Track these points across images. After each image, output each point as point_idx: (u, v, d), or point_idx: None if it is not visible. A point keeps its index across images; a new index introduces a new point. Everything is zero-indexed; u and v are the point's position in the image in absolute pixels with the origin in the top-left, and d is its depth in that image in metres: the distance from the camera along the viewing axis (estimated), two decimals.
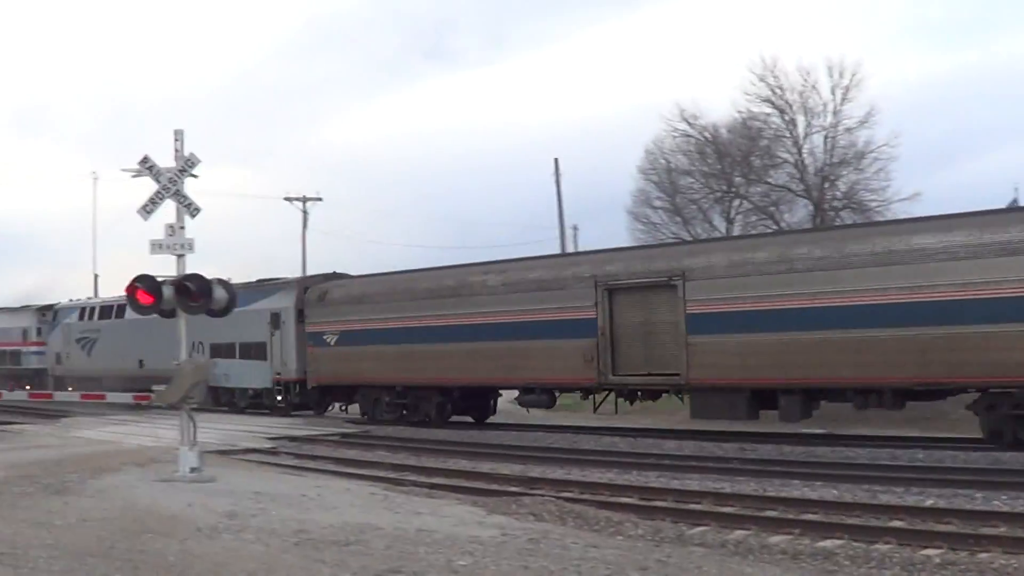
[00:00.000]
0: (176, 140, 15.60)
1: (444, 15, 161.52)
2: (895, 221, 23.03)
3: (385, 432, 24.47)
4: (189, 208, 15.52)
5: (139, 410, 29.32)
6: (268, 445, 21.64)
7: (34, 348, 45.28)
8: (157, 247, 15.59)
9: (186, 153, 15.50)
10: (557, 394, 24.31)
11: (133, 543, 9.83)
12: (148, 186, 15.45)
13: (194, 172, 15.57)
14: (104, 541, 9.94)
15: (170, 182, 15.33)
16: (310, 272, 42.64)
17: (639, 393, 22.53)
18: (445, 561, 9.00)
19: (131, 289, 15.40)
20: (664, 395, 22.52)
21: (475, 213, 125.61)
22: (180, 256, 15.62)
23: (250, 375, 16.40)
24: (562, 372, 22.72)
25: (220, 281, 16.16)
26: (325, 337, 28.41)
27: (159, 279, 15.41)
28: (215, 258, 71.73)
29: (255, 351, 30.59)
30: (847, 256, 18.75)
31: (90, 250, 64.33)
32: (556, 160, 50.29)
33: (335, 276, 31.65)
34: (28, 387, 40.99)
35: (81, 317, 41.70)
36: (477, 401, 26.88)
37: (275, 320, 30.51)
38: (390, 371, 26.54)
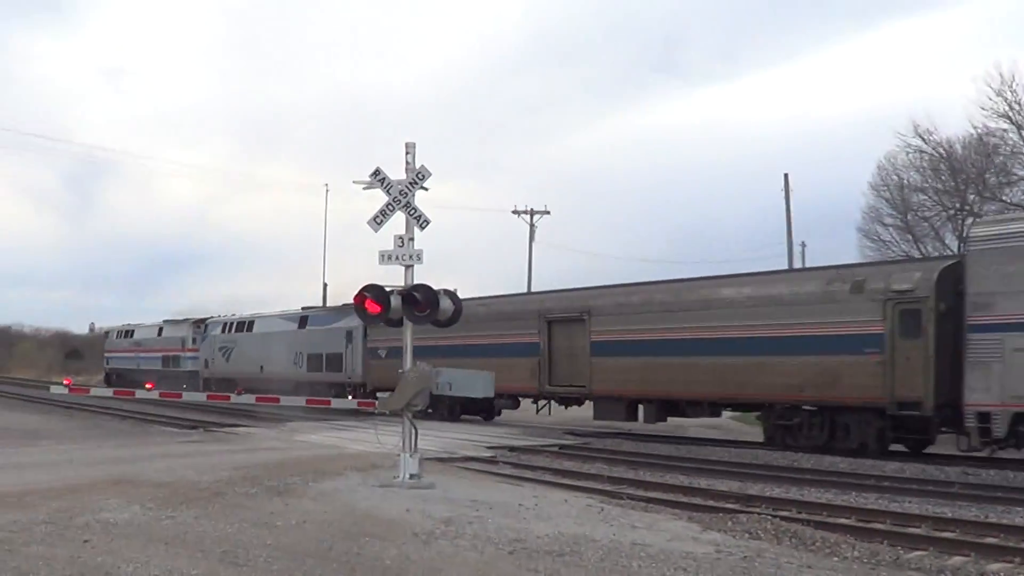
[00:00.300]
0: (407, 153, 16.31)
1: (674, 30, 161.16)
2: (714, 277, 28.93)
3: (604, 444, 24.83)
4: (419, 220, 16.19)
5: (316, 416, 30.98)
6: (487, 454, 22.24)
7: (190, 354, 56.66)
8: (386, 258, 16.36)
9: (417, 166, 16.21)
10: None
11: (351, 546, 10.41)
12: (379, 198, 16.29)
13: (424, 185, 16.27)
14: (323, 543, 10.56)
15: (401, 194, 16.06)
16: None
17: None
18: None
19: (360, 298, 16.22)
20: None
21: (701, 227, 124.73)
22: (409, 267, 16.36)
23: (472, 385, 16.92)
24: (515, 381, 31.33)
25: (446, 292, 16.78)
26: (378, 351, 38.12)
27: (387, 289, 16.20)
28: (443, 269, 73.97)
29: (333, 361, 42.72)
30: (682, 302, 27.38)
31: (321, 260, 67.63)
32: (786, 175, 49.67)
33: None
34: (238, 391, 44.56)
35: (223, 330, 52.62)
36: None
37: (348, 336, 41.52)
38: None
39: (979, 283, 20.58)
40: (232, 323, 52.20)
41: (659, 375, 27.05)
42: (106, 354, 71.11)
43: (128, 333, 67.52)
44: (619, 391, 28.47)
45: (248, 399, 32.43)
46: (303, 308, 49.00)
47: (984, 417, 19.89)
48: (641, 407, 28.16)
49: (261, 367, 47.56)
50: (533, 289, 48.97)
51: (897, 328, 22.10)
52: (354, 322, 39.11)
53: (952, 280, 21.63)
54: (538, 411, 32.98)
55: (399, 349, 27.85)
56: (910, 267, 24.63)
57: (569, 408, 32.89)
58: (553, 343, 31.42)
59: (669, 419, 28.80)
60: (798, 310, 23.87)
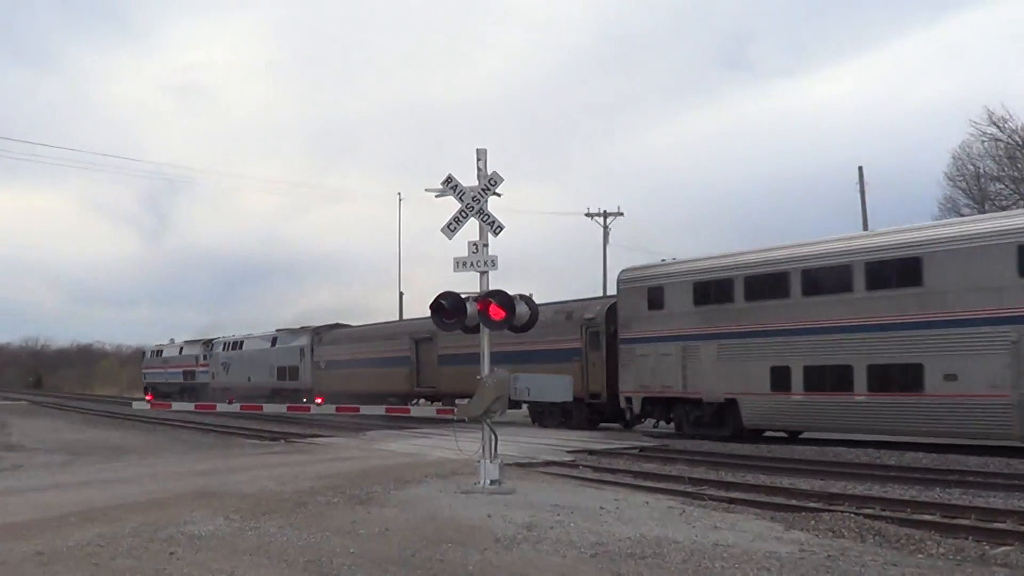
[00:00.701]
0: (479, 159, 16.48)
1: (744, 26, 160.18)
2: None
3: (684, 446, 24.76)
4: (492, 226, 16.34)
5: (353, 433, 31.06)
6: (567, 458, 22.28)
7: (202, 369, 68.02)
8: (461, 264, 16.55)
9: (488, 171, 16.36)
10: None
11: (433, 552, 10.55)
12: (452, 205, 16.48)
13: (497, 190, 16.40)
14: (406, 550, 10.71)
15: (473, 201, 16.23)
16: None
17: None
18: None
19: (435, 306, 16.41)
20: None
21: (774, 224, 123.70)
22: (483, 273, 16.51)
23: (551, 390, 17.08)
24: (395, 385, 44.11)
25: (522, 297, 16.89)
26: (320, 363, 52.22)
27: (463, 296, 16.36)
28: (519, 274, 74.26)
29: (292, 372, 54.37)
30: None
31: (395, 269, 68.62)
32: (860, 169, 49.06)
33: (338, 326, 53.75)
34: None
35: (223, 349, 63.76)
36: None
37: (302, 352, 53.44)
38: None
39: (623, 312, 30.90)
40: (230, 343, 63.39)
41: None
42: (143, 370, 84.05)
43: (158, 352, 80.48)
44: (458, 391, 37.55)
45: (328, 409, 33.03)
46: (276, 330, 58.86)
47: (628, 400, 30.16)
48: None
49: (248, 378, 59.04)
50: (603, 293, 49.78)
51: (588, 344, 33.03)
52: (304, 341, 53.27)
53: (615, 311, 31.79)
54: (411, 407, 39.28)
55: (336, 362, 43.92)
56: (595, 302, 35.25)
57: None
58: (420, 356, 43.13)
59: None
60: (546, 331, 30.28)
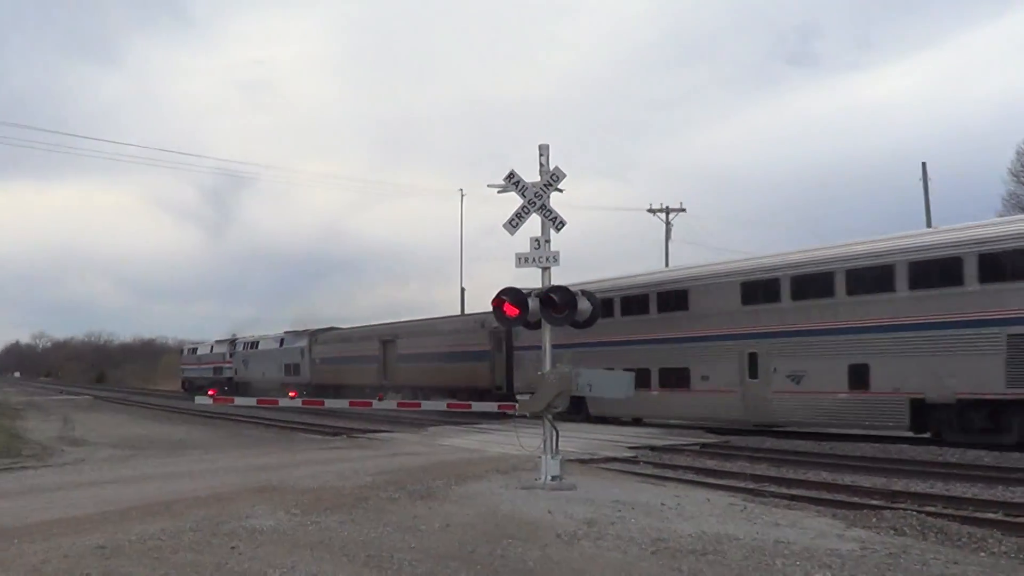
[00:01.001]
0: (541, 155, 16.55)
1: (808, 20, 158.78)
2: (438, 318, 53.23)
3: (745, 443, 24.64)
4: (554, 222, 16.40)
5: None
6: (628, 454, 22.25)
7: (227, 364, 79.09)
8: (523, 260, 16.62)
9: (551, 167, 16.41)
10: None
11: (494, 548, 10.63)
12: (514, 201, 16.55)
13: (559, 186, 16.45)
14: (466, 546, 10.79)
15: (535, 196, 16.29)
16: None
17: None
18: (803, 574, 9.26)
19: (498, 302, 16.51)
20: None
21: (838, 221, 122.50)
22: (545, 269, 16.57)
23: (612, 386, 17.12)
24: (368, 378, 54.17)
25: (584, 292, 16.92)
26: (316, 360, 63.32)
27: (525, 292, 16.43)
28: (580, 270, 74.37)
29: (295, 368, 64.63)
30: (429, 331, 49.87)
31: (458, 264, 69.01)
32: (924, 164, 48.49)
33: (331, 329, 63.84)
34: (378, 397, 48.42)
35: (243, 348, 75.55)
36: None
37: (302, 352, 63.83)
38: None
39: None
40: (248, 343, 74.87)
41: (419, 373, 48.89)
42: (181, 366, 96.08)
43: (194, 350, 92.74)
44: (409, 384, 49.03)
45: (389, 404, 33.31)
46: (284, 332, 69.00)
47: (522, 393, 35.67)
48: (419, 392, 45.70)
49: (263, 373, 69.59)
50: None
51: (494, 347, 42.70)
52: (304, 342, 63.71)
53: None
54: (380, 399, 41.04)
55: (327, 359, 57.68)
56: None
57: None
58: (386, 354, 53.87)
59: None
60: (462, 337, 45.89)
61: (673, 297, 31.56)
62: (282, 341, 68.09)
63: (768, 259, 29.08)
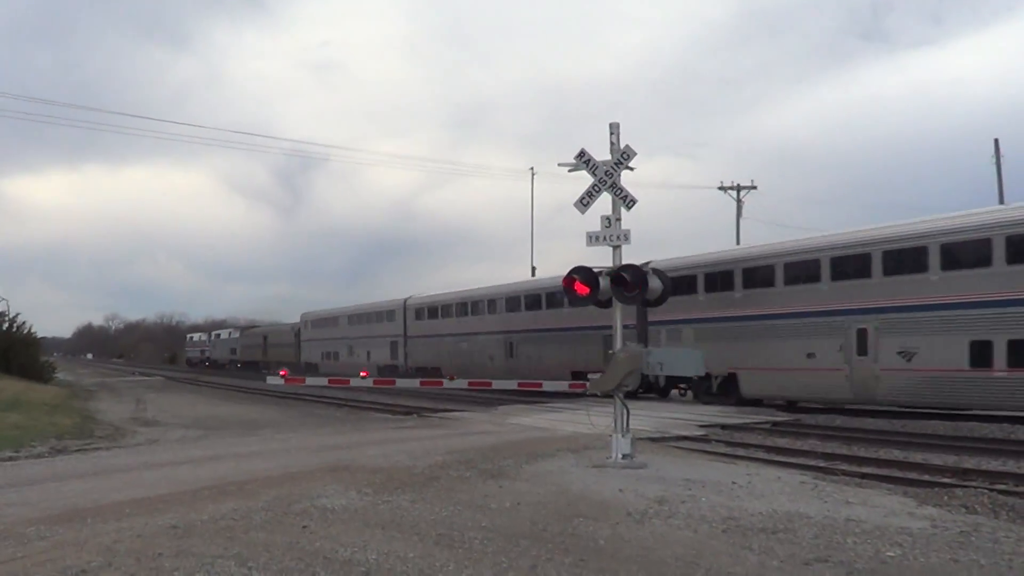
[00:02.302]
0: (612, 133, 16.63)
1: None
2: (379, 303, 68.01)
3: (816, 421, 24.58)
4: (625, 200, 16.48)
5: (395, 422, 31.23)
6: (699, 433, 22.36)
7: (207, 348, 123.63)
8: (593, 239, 16.74)
9: (621, 146, 16.49)
10: None
11: (564, 526, 10.76)
12: (585, 180, 16.68)
13: (630, 164, 16.52)
14: (536, 524, 10.93)
15: (606, 175, 16.40)
16: None
17: None
18: (873, 552, 9.29)
19: (568, 280, 16.63)
20: None
21: (910, 199, 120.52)
22: (616, 247, 16.66)
23: (683, 364, 17.18)
24: (284, 358, 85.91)
25: (655, 271, 16.99)
26: (312, 343, 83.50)
27: (595, 270, 16.53)
28: (653, 248, 74.16)
29: (289, 349, 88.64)
30: (354, 316, 71.59)
31: (528, 243, 69.82)
32: (996, 141, 47.57)
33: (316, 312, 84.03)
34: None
35: (214, 337, 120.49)
36: None
37: (296, 333, 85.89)
38: None
39: (409, 320, 60.71)
40: (222, 332, 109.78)
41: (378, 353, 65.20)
42: (186, 348, 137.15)
43: (192, 338, 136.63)
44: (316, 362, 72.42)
45: (461, 384, 33.54)
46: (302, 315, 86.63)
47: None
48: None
49: (233, 350, 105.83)
50: None
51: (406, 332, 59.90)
52: (298, 326, 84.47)
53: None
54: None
55: (310, 340, 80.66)
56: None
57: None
58: (301, 340, 79.22)
59: None
60: (389, 322, 62.12)
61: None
62: (229, 333, 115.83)
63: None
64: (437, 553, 9.52)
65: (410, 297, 61.53)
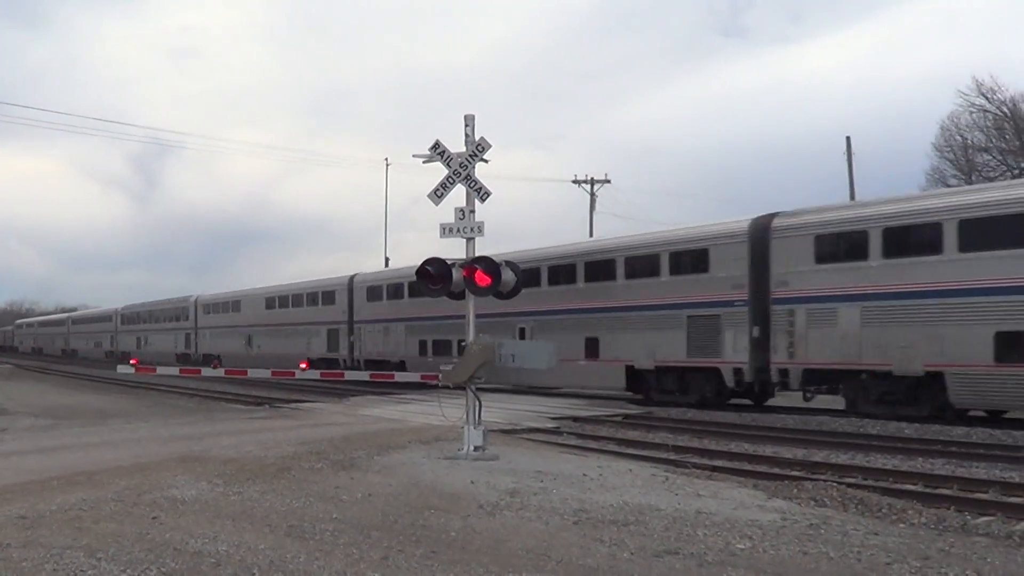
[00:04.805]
0: (467, 125, 16.37)
1: None
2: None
3: (667, 414, 24.83)
4: (479, 192, 16.28)
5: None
6: (551, 425, 22.33)
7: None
8: (447, 231, 16.49)
9: (476, 138, 16.26)
10: None
11: (416, 518, 10.59)
12: (439, 171, 16.40)
13: (484, 157, 16.30)
14: (388, 516, 10.74)
15: (460, 167, 16.15)
16: None
17: None
18: (724, 544, 9.30)
19: (422, 272, 16.37)
20: None
21: (764, 194, 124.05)
22: (470, 239, 16.44)
23: (534, 356, 17.13)
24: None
25: (508, 263, 16.85)
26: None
27: (448, 262, 16.31)
28: (505, 239, 74.44)
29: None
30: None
31: (382, 234, 69.40)
32: (848, 139, 48.78)
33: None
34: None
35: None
36: None
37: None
38: None
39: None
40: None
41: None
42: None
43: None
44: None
45: (313, 374, 33.01)
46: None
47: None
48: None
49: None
50: None
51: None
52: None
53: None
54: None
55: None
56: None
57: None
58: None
59: None
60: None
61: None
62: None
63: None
64: (288, 544, 9.30)
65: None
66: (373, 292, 45.81)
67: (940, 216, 21.84)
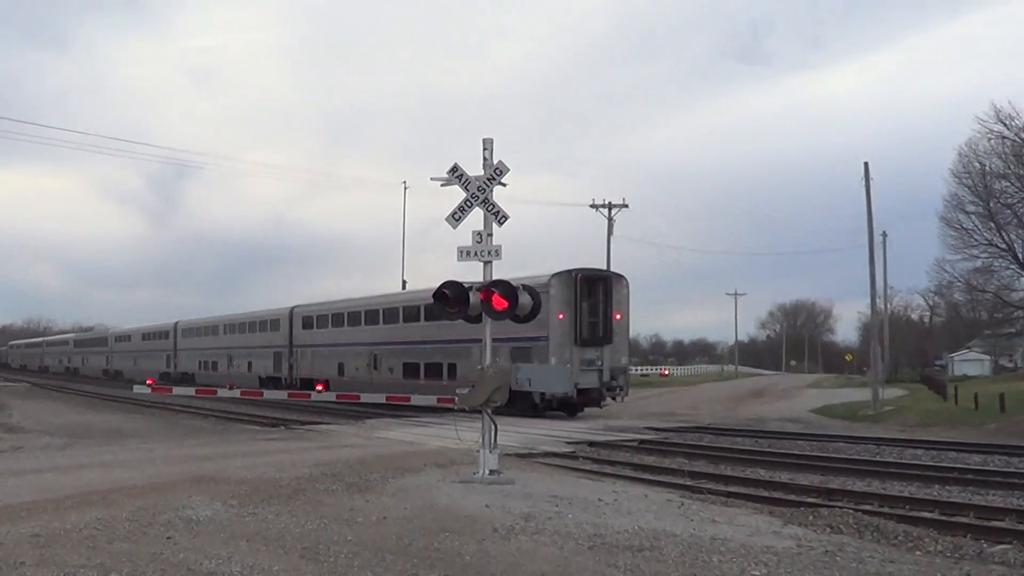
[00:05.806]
0: (485, 149, 16.35)
1: (763, 18, 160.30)
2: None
3: (684, 439, 24.73)
4: (497, 216, 16.25)
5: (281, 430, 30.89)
6: (567, 449, 22.22)
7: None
8: (464, 254, 16.46)
9: (494, 161, 16.25)
10: None
11: (431, 541, 10.53)
12: (457, 195, 16.37)
13: (502, 180, 16.29)
14: (403, 539, 10.68)
15: (479, 190, 16.13)
16: None
17: None
18: (739, 571, 9.24)
19: (438, 294, 16.35)
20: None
21: (782, 218, 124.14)
22: (487, 263, 16.43)
23: (552, 380, 17.10)
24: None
25: (525, 287, 16.82)
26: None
27: (466, 285, 16.29)
28: (524, 265, 74.57)
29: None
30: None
31: (400, 257, 69.43)
32: (866, 164, 48.33)
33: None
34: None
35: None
36: None
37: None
38: None
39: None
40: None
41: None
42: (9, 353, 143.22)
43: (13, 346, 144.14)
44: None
45: (329, 396, 32.98)
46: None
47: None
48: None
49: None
50: None
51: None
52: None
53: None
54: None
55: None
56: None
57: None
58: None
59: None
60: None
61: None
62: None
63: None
64: (302, 566, 9.27)
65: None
66: (307, 321, 52.74)
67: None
